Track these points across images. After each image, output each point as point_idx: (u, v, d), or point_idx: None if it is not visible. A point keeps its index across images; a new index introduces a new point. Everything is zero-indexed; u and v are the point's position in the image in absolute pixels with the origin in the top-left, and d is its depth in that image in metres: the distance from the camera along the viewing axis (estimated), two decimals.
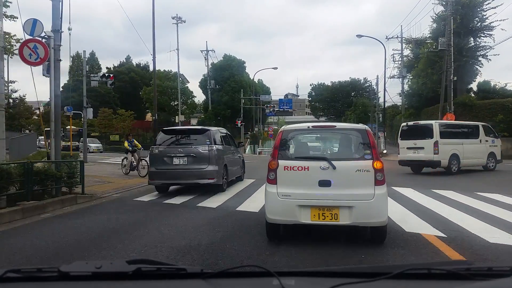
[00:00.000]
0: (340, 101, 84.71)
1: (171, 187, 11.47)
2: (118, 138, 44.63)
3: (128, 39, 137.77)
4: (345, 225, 4.99)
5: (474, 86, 33.31)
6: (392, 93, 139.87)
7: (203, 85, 52.16)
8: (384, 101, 36.38)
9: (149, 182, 10.87)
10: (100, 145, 40.40)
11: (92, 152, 37.62)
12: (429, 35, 34.37)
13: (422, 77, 33.79)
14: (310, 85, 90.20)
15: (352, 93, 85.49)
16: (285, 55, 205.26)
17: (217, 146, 10.63)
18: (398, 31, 41.12)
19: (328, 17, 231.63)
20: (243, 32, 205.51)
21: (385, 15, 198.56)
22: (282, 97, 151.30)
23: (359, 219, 4.91)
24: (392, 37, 41.07)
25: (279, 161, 5.23)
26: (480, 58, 30.06)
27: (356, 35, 35.18)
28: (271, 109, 48.47)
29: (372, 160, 5.03)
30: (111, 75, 25.05)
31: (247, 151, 45.27)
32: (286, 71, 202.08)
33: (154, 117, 21.82)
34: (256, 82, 72.94)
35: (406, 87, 41.89)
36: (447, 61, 27.62)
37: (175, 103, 46.84)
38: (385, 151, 35.39)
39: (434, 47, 29.57)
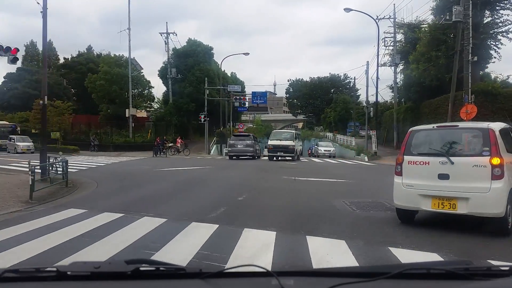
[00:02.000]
0: (319, 98, 78.73)
1: None
2: (60, 136, 36.77)
3: (106, 35, 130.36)
4: (462, 214, 5.68)
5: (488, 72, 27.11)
6: (380, 88, 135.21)
7: (163, 74, 44.62)
8: (377, 92, 29.92)
9: None
10: (31, 144, 32.51)
11: (21, 153, 30.04)
12: (430, 11, 28.07)
13: (423, 62, 27.45)
14: (288, 80, 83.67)
15: (332, 90, 79.67)
16: (264, 54, 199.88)
17: None
18: (388, 13, 34.47)
19: (307, 17, 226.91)
20: (221, 30, 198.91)
21: (364, 15, 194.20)
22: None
23: (475, 209, 5.53)
24: (383, 18, 34.75)
25: (404, 156, 6.25)
26: (499, 37, 23.88)
27: (344, 9, 28.59)
28: (242, 103, 41.38)
29: (489, 157, 5.54)
30: (14, 47, 17.44)
31: (212, 151, 38.09)
32: (265, 70, 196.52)
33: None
34: (229, 75, 66.46)
35: (399, 78, 35.77)
36: (464, 36, 21.28)
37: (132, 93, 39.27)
38: (375, 151, 28.86)
39: (442, 21, 23.21)
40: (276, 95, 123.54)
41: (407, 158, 6.15)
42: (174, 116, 43.25)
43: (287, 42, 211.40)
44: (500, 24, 23.66)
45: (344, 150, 38.17)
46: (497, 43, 23.99)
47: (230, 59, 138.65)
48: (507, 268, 1.46)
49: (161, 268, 1.46)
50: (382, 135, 40.59)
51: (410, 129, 6.53)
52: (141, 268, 1.42)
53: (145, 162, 23.81)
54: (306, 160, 27.74)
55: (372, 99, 41.26)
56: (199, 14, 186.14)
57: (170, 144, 32.21)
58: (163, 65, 45.14)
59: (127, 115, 37.58)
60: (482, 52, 24.83)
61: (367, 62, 37.27)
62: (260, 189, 10.59)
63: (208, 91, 39.17)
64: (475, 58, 20.79)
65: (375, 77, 51.54)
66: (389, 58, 36.90)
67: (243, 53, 38.88)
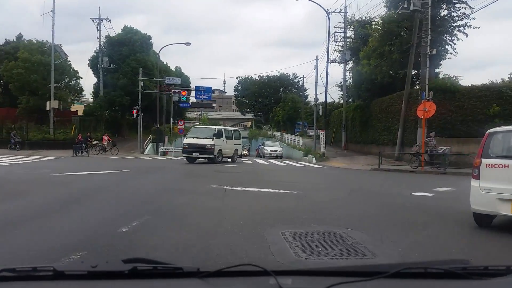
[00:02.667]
0: (268, 97, 76.54)
1: None
2: None
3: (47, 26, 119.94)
4: None
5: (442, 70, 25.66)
6: (329, 87, 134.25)
7: (93, 63, 39.89)
8: (326, 87, 27.71)
9: None
10: None
11: None
12: (384, 3, 26.20)
13: (375, 58, 25.53)
14: (237, 78, 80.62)
15: (281, 89, 77.87)
16: (214, 53, 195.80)
17: None
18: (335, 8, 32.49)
19: (258, 18, 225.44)
20: (171, 26, 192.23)
21: (314, 19, 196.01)
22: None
23: None
24: (334, 11, 32.73)
25: (482, 159, 5.95)
26: (456, 32, 22.31)
27: None
28: (181, 97, 37.66)
29: None
30: None
31: (146, 151, 34.21)
32: (214, 69, 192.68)
33: None
34: (174, 69, 62.54)
35: (348, 76, 33.92)
36: (422, 27, 19.36)
37: (56, 85, 34.22)
38: (324, 151, 26.62)
39: (399, 11, 21.22)
40: (226, 93, 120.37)
41: (485, 161, 5.93)
42: (106, 110, 38.76)
43: (238, 42, 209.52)
44: (457, 18, 22.10)
45: (291, 151, 35.79)
46: (453, 38, 22.44)
47: (178, 57, 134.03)
48: (504, 268, 1.47)
49: (158, 267, 1.44)
50: (330, 135, 38.75)
51: (488, 131, 6.19)
52: (139, 267, 1.40)
53: (57, 163, 19.84)
54: (249, 162, 24.85)
55: (321, 97, 39.32)
56: (148, 9, 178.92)
57: (95, 142, 28.04)
58: (94, 53, 40.40)
59: (47, 108, 32.71)
60: (437, 47, 23.25)
61: (317, 56, 34.98)
62: (167, 209, 7.39)
63: (143, 83, 35.16)
64: (434, 51, 18.92)
65: (324, 75, 49.94)
66: (339, 55, 35.11)
67: (184, 43, 35.18)
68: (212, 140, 20.09)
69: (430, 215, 7.29)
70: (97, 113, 37.53)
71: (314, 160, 25.47)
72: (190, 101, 44.30)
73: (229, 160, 22.16)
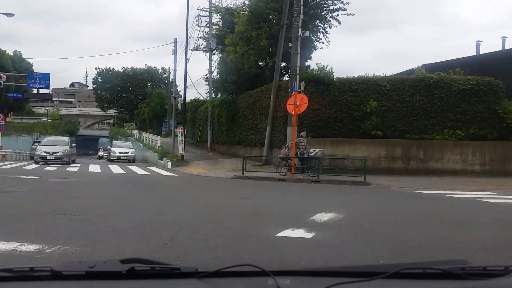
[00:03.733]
0: (134, 91, 68.81)
1: None
2: None
3: None
4: None
5: (312, 63, 23.12)
6: (196, 82, 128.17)
7: None
8: (186, 76, 23.38)
9: None
10: None
11: None
12: None
13: (242, 45, 21.86)
14: (96, 69, 70.82)
15: (149, 84, 71.01)
16: (79, 44, 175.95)
17: None
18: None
19: (129, 11, 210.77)
20: (28, 10, 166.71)
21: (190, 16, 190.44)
22: (68, 86, 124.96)
23: None
24: None
25: None
26: (328, 18, 19.71)
27: None
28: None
29: None
30: None
31: None
32: (78, 61, 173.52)
33: None
34: (12, 54, 51.85)
35: (215, 67, 29.87)
36: (292, 9, 16.03)
37: None
38: (182, 154, 22.04)
39: None
40: (88, 87, 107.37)
41: None
42: None
43: (108, 34, 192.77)
44: (329, 3, 19.53)
45: (148, 153, 30.36)
46: (325, 25, 19.85)
47: (40, 48, 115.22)
48: (502, 268, 1.47)
49: (156, 268, 1.44)
50: (196, 135, 34.38)
51: None
52: (136, 268, 1.40)
53: None
54: (75, 168, 18.83)
55: (191, 92, 34.55)
56: None
57: None
58: None
59: None
60: (310, 31, 20.49)
61: (175, 39, 30.08)
62: None
63: None
64: (307, 33, 15.75)
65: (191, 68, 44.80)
66: (205, 43, 30.91)
67: (5, 13, 26.82)
68: None
69: None
70: None
71: (169, 164, 20.66)
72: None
73: None
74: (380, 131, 16.01)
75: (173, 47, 29.99)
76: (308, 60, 22.11)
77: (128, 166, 21.84)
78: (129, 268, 1.37)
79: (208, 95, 32.34)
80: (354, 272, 1.50)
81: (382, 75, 16.78)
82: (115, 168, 19.62)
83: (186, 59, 23.67)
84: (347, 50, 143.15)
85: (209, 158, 23.83)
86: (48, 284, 1.36)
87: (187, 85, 30.44)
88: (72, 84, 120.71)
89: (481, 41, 28.62)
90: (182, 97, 24.17)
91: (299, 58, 15.78)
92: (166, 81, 72.93)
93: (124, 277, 1.36)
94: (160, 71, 73.37)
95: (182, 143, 22.24)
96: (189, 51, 31.60)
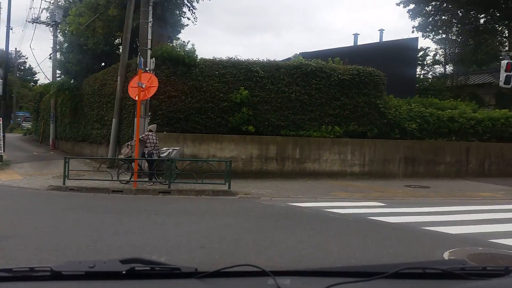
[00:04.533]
0: None
1: None
2: None
3: None
4: None
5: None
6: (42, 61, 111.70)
7: None
8: (7, 44, 17.62)
9: None
10: None
11: None
12: None
13: (88, 15, 17.16)
14: None
15: None
16: None
17: None
18: None
19: None
20: None
21: None
22: None
23: None
24: None
25: None
26: None
27: None
28: None
29: None
30: None
31: None
32: None
33: None
34: None
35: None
36: None
37: None
38: (1, 154, 16.49)
39: None
40: None
41: None
42: None
43: None
44: None
45: None
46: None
47: None
48: (502, 268, 1.45)
49: (156, 268, 1.42)
50: (39, 129, 28.01)
51: None
52: (136, 268, 1.38)
53: None
54: None
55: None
56: None
57: None
58: None
59: None
60: (173, 11, 16.82)
61: None
62: None
63: None
64: None
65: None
66: (49, 15, 25.00)
67: None
68: None
69: None
70: None
71: None
72: None
73: None
74: (252, 126, 13.13)
75: None
76: (174, 41, 18.43)
77: None
78: (129, 268, 1.36)
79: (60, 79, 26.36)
80: (354, 272, 1.49)
81: (255, 59, 13.82)
82: None
83: (9, 22, 17.86)
84: (233, 49, 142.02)
85: (43, 159, 18.48)
86: (48, 284, 1.35)
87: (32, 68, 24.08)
88: None
89: (358, 34, 28.24)
90: (2, 75, 18.24)
91: (149, 28, 11.97)
92: (23, 67, 61.90)
93: (124, 277, 1.35)
94: (14, 55, 61.77)
95: (0, 139, 16.56)
96: (31, 25, 25.32)
